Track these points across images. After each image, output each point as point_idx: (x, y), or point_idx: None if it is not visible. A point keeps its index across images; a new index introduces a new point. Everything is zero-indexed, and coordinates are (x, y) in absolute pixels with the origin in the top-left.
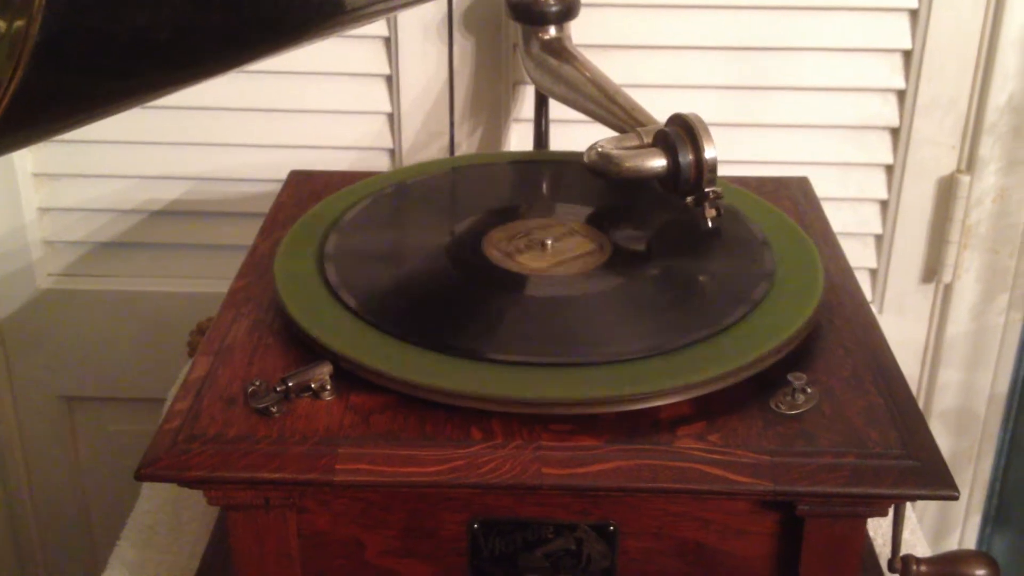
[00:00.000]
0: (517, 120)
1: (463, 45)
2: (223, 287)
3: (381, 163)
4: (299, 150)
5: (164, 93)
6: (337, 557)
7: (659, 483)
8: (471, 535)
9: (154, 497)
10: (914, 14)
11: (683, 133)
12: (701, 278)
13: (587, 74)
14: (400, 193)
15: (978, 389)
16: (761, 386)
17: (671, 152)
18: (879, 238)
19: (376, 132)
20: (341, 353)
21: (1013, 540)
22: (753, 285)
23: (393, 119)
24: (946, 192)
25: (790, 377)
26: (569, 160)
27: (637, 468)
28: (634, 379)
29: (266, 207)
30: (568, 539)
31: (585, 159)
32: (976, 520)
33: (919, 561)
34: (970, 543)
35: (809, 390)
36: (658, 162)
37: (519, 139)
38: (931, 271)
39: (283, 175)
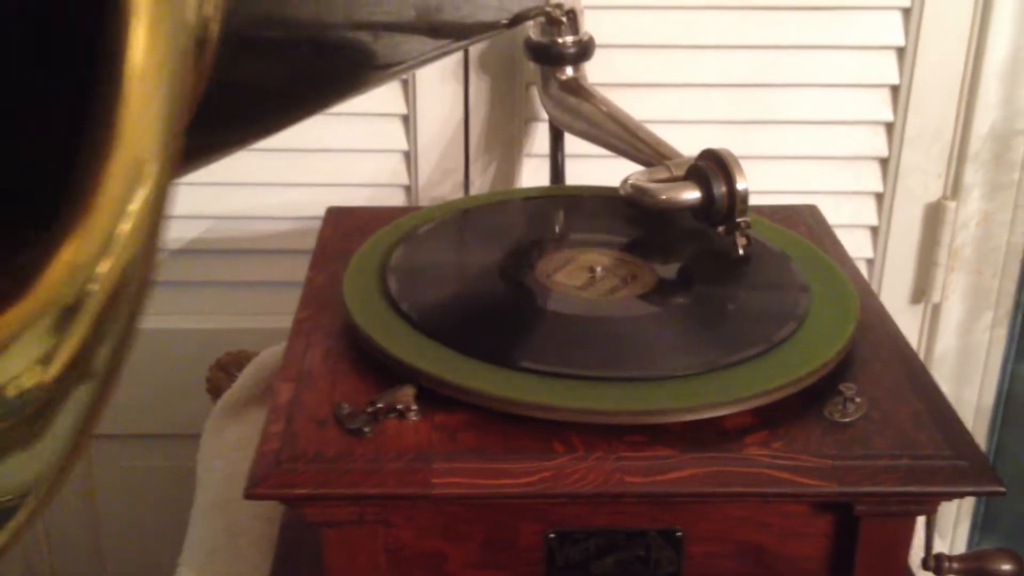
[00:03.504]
0: (529, 156)
1: (478, 84)
2: (237, 323)
3: (397, 199)
4: (315, 188)
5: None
6: (420, 569)
7: (733, 488)
8: (547, 545)
9: (207, 525)
10: (901, 51)
11: (715, 166)
12: (744, 299)
13: (605, 110)
14: (454, 223)
15: (965, 402)
16: (812, 397)
17: (705, 184)
18: (871, 262)
19: (392, 170)
20: (428, 373)
21: (999, 546)
22: (793, 304)
23: (409, 157)
24: (933, 217)
25: (841, 387)
26: (605, 195)
27: (711, 475)
28: (699, 392)
29: (285, 243)
30: (638, 545)
31: (621, 191)
32: (965, 527)
33: (950, 559)
34: (960, 548)
35: (858, 399)
36: (692, 194)
37: (531, 175)
38: (920, 292)
39: (300, 213)
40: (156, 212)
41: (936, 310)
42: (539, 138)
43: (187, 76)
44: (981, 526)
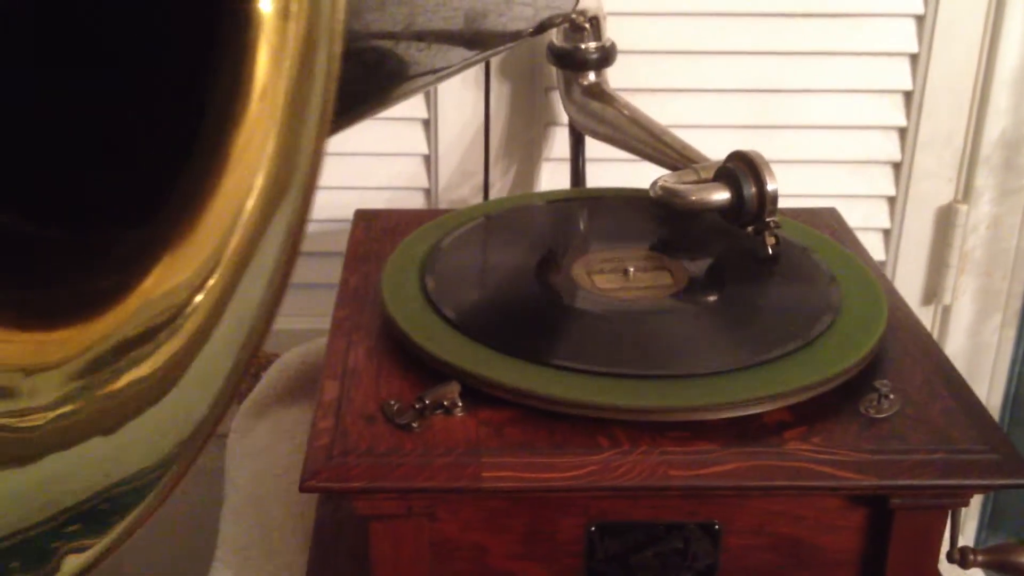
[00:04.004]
0: (548, 160)
1: (499, 90)
2: None
3: (416, 202)
4: (335, 191)
5: None
6: (462, 561)
7: (775, 481)
8: (588, 537)
9: (240, 522)
10: (914, 58)
11: (745, 168)
12: (776, 297)
13: (628, 114)
14: (487, 225)
15: None
16: (847, 393)
17: (735, 185)
18: (883, 264)
19: (412, 173)
20: (475, 374)
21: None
22: (825, 302)
23: (430, 160)
24: (944, 221)
25: (876, 384)
26: (632, 196)
27: (753, 468)
28: (738, 388)
29: (303, 246)
30: (676, 538)
31: (651, 193)
32: (973, 525)
33: (974, 552)
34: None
35: (892, 396)
36: (722, 195)
37: (550, 178)
38: (931, 294)
39: (321, 215)
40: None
41: (947, 311)
42: (557, 142)
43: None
44: (989, 524)
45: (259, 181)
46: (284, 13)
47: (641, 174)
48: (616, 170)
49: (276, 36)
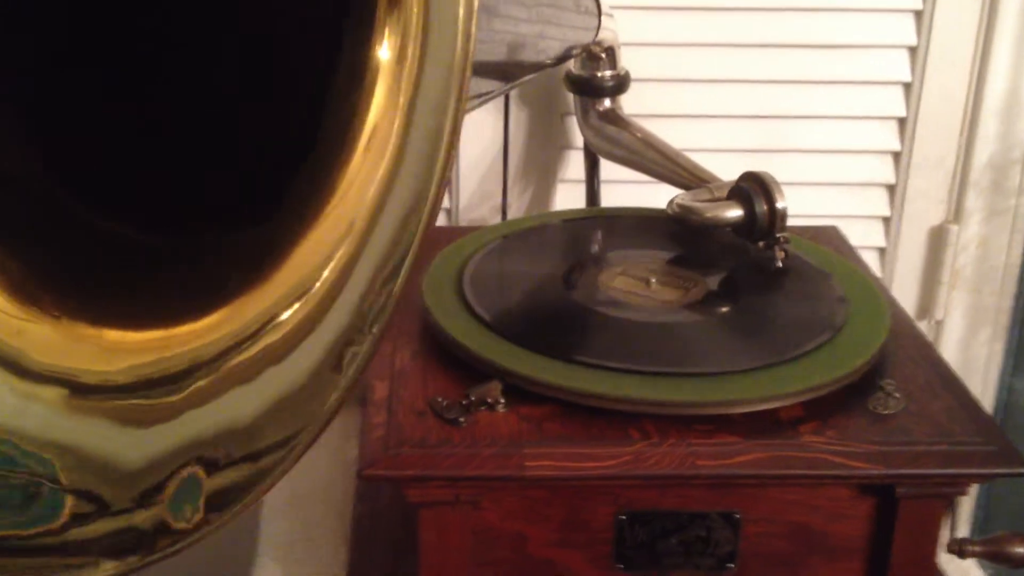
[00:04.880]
0: (563, 181)
1: (517, 115)
2: None
3: (438, 221)
4: None
5: None
6: (503, 549)
7: (795, 470)
8: (618, 525)
9: (283, 520)
10: (908, 87)
11: (756, 187)
12: (788, 305)
13: (641, 137)
14: (516, 240)
15: None
16: (856, 392)
17: (747, 203)
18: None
19: None
20: (514, 371)
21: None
22: (833, 308)
23: (450, 182)
24: (936, 240)
25: (882, 383)
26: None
27: (775, 459)
28: (757, 386)
29: None
30: (699, 526)
31: (669, 211)
32: (965, 531)
33: (971, 542)
34: None
35: (897, 394)
36: (735, 212)
37: (565, 198)
38: (924, 309)
39: None
40: None
41: (939, 326)
42: (572, 165)
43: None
44: (980, 529)
45: (371, 196)
46: (400, 58)
47: (651, 193)
48: (628, 190)
49: (392, 78)
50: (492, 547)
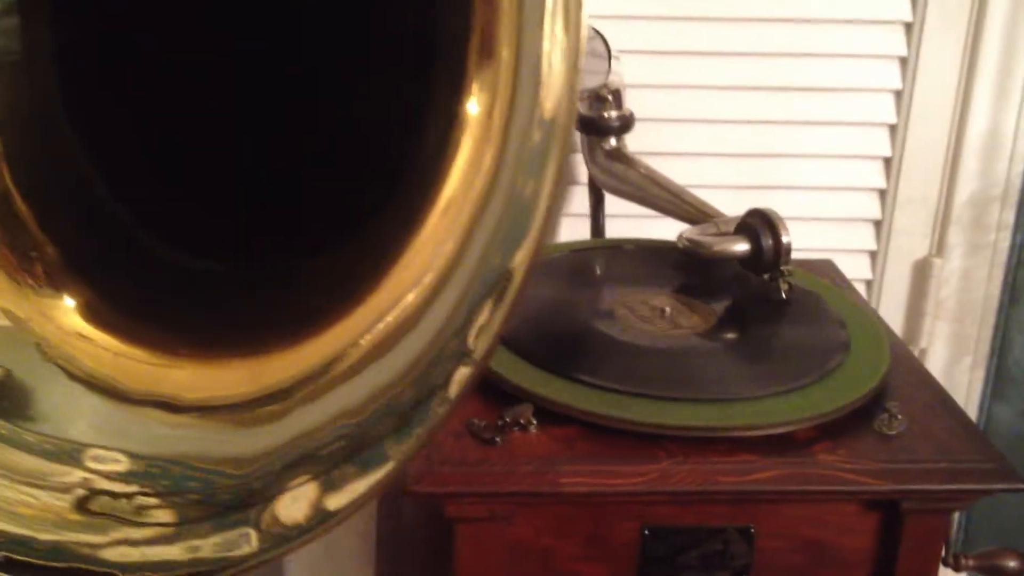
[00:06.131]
0: (567, 215)
1: None
2: None
3: None
4: None
5: None
6: (533, 563)
7: (810, 486)
8: (642, 540)
9: None
10: (893, 128)
11: (762, 222)
12: (795, 334)
13: (645, 173)
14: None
15: None
16: (863, 414)
17: (753, 237)
18: None
19: None
20: (546, 396)
21: None
22: (836, 338)
23: None
24: (921, 273)
25: (887, 406)
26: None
27: (791, 476)
28: (773, 410)
29: None
30: (717, 541)
31: (679, 244)
32: None
33: (966, 556)
34: None
35: (900, 416)
36: (742, 246)
37: (569, 231)
38: (909, 339)
39: None
40: None
41: (923, 354)
42: (576, 199)
43: None
44: (963, 544)
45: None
46: (489, 112)
47: (652, 227)
48: (630, 223)
49: (481, 130)
50: (523, 561)
